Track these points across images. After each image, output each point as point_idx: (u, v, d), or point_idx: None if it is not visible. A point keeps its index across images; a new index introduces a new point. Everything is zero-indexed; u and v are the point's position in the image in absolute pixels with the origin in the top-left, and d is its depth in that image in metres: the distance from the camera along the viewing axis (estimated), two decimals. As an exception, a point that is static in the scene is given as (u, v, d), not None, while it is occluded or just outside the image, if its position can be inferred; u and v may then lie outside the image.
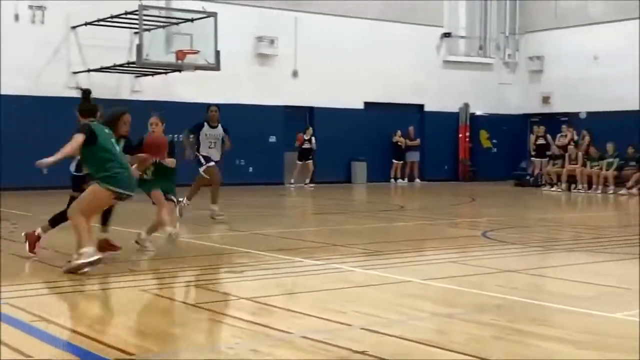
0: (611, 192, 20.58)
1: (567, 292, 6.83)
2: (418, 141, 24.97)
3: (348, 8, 24.04)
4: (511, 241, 10.33)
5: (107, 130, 7.52)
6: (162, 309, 6.10)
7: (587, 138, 22.10)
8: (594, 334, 5.20)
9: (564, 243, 10.49)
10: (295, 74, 23.24)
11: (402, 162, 24.80)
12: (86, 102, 7.92)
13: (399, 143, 24.70)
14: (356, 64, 23.81)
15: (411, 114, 25.53)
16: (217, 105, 13.19)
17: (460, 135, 26.47)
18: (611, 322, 5.53)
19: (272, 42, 22.69)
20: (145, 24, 18.33)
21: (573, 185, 21.62)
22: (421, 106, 25.87)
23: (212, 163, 12.65)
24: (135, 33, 18.81)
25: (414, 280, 7.19)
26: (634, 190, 20.32)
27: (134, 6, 18.08)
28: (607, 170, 21.22)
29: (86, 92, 7.98)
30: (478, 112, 26.64)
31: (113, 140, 7.53)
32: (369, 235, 11.05)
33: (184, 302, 6.48)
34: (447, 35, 26.26)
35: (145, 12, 18.19)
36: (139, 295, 6.54)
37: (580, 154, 21.79)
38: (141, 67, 19.03)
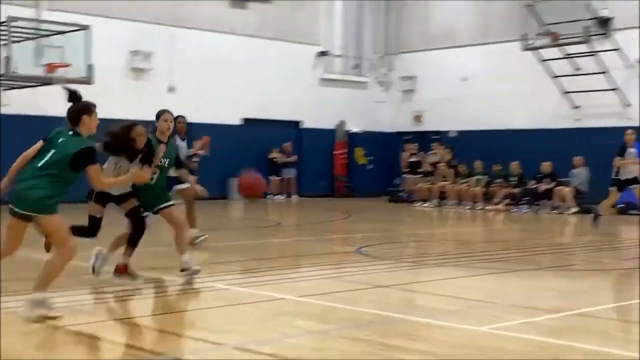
0: (479, 208, 21.41)
1: (436, 306, 7.05)
2: (295, 157, 25.16)
3: (225, 24, 24.03)
4: (384, 257, 10.57)
5: None
6: (25, 332, 5.86)
7: (447, 156, 23.06)
8: (460, 348, 5.39)
9: (435, 258, 10.81)
10: (171, 89, 22.99)
11: (279, 178, 24.93)
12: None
13: (275, 159, 24.82)
14: (234, 80, 23.80)
15: (288, 131, 25.71)
16: (183, 116, 11.72)
17: (336, 152, 26.88)
18: (477, 335, 5.74)
19: (147, 56, 22.41)
20: (14, 36, 17.73)
21: (444, 202, 22.37)
22: (298, 123, 26.12)
23: (185, 185, 11.03)
24: (4, 44, 18.16)
25: (289, 297, 7.24)
26: (501, 206, 21.24)
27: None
28: (475, 187, 22.09)
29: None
30: (354, 130, 27.15)
31: None
32: (245, 253, 11.04)
33: (52, 325, 6.27)
34: (323, 53, 26.67)
35: (14, 24, 17.59)
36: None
37: (450, 170, 22.61)
38: (9, 79, 18.38)
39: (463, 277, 8.86)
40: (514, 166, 22.24)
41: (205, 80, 23.25)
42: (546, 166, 21.45)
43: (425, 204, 22.47)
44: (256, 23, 24.78)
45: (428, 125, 26.82)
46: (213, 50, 23.59)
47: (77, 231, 7.08)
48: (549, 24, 22.83)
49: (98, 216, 7.82)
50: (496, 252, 11.41)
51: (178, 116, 10.86)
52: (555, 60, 23.61)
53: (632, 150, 14.50)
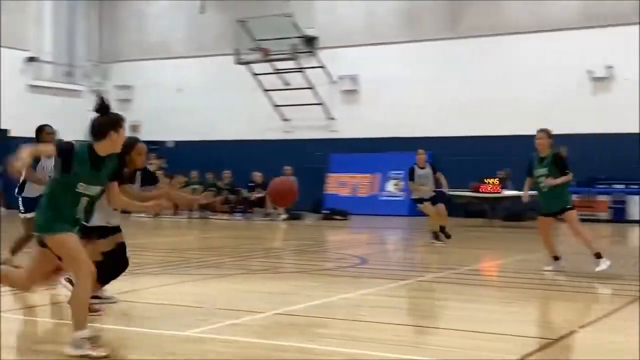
0: (196, 216, 21.80)
1: (145, 314, 7.15)
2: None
3: None
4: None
5: None
6: None
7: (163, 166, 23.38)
8: (167, 355, 5.51)
9: (149, 267, 10.92)
10: None
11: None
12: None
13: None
14: None
15: (-5, 139, 24.32)
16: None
17: (48, 162, 25.86)
18: (183, 340, 5.95)
19: None
20: None
21: (161, 211, 22.47)
22: (6, 131, 24.79)
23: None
24: None
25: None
26: (216, 215, 21.85)
27: None
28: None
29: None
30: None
31: None
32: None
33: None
34: (32, 59, 25.60)
35: None
36: None
37: (167, 180, 22.77)
38: None
39: (174, 284, 9.07)
40: (226, 175, 23.05)
41: None
42: (258, 176, 22.41)
43: (142, 214, 22.40)
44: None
45: (146, 135, 26.75)
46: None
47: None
48: (259, 40, 23.89)
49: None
50: (211, 258, 11.78)
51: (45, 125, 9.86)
52: (267, 75, 24.74)
53: (421, 172, 13.79)
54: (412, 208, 21.97)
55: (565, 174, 9.75)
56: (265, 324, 6.67)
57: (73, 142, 5.55)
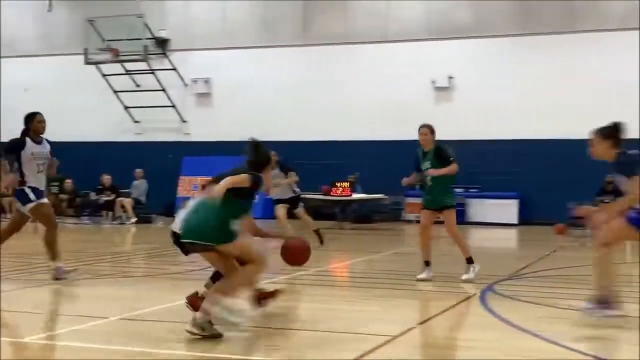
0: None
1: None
2: None
3: None
4: None
5: None
6: None
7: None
8: None
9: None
10: None
11: None
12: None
13: None
14: None
15: None
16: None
17: None
18: (28, 345, 5.85)
19: None
20: None
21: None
22: None
23: (44, 199, 9.35)
24: None
25: None
26: (63, 218, 21.24)
27: None
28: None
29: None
30: None
31: None
32: None
33: None
34: None
35: None
36: None
37: None
38: None
39: (15, 290, 8.78)
40: (68, 184, 22.41)
41: None
42: (106, 179, 21.94)
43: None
44: None
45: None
46: None
47: None
48: (109, 40, 23.40)
49: None
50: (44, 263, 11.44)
51: (35, 113, 9.59)
52: (118, 76, 24.27)
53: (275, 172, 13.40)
54: (267, 210, 22.23)
55: (449, 165, 9.59)
56: (109, 329, 6.60)
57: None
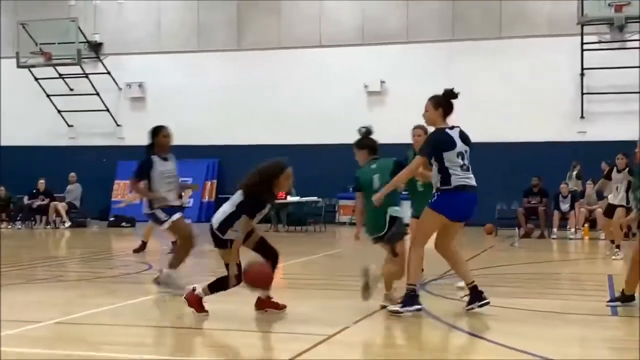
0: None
1: None
2: None
3: None
4: None
5: None
6: None
7: None
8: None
9: None
10: None
11: None
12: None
13: None
14: None
15: None
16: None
17: None
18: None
19: None
20: None
21: None
22: None
23: (178, 214, 9.02)
24: None
25: None
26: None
27: None
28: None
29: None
30: None
31: None
32: None
33: None
34: None
35: None
36: None
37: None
38: None
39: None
40: (0, 190, 22.08)
41: None
42: (40, 184, 21.69)
43: None
44: None
45: None
46: None
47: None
48: (42, 44, 23.10)
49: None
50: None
51: (161, 127, 9.45)
52: (51, 80, 23.98)
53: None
54: (203, 214, 22.26)
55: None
56: (43, 333, 6.60)
57: None
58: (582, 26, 20.86)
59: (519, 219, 18.62)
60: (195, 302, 7.14)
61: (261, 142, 22.64)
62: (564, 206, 18.50)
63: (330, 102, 22.47)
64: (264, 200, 7.01)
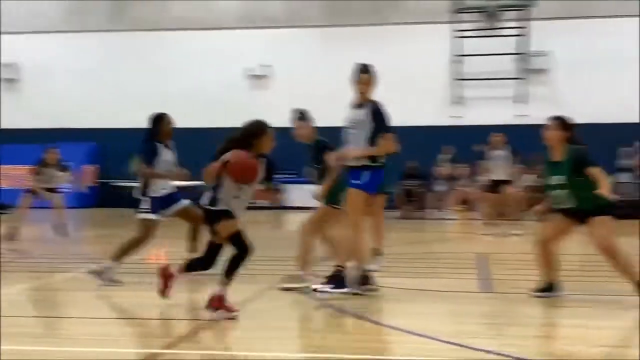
0: None
1: None
2: None
3: None
4: None
5: None
6: None
7: None
8: None
9: None
10: None
11: None
12: None
13: None
14: None
15: None
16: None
17: None
18: None
19: None
20: None
21: None
22: None
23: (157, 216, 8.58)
24: None
25: None
26: None
27: None
28: None
29: None
30: None
31: None
32: None
33: None
34: None
35: None
36: None
37: None
38: None
39: None
40: None
41: None
42: None
43: None
44: None
45: None
46: None
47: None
48: None
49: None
50: None
51: (163, 114, 9.20)
52: None
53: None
54: (83, 199, 21.78)
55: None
56: None
57: None
58: (456, 13, 21.61)
59: (397, 201, 19.17)
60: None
61: (141, 125, 22.29)
62: (440, 188, 19.19)
63: (211, 86, 22.36)
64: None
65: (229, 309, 6.49)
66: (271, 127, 6.77)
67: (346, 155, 7.61)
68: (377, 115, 7.66)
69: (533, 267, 7.91)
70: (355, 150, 7.54)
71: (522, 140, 18.30)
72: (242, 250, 6.51)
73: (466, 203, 19.16)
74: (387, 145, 7.54)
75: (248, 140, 6.51)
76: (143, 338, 6.32)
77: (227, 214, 6.53)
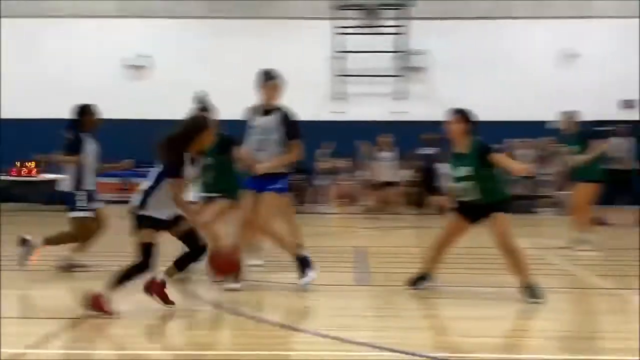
0: None
1: None
2: None
3: None
4: None
5: None
6: None
7: None
8: None
9: None
10: None
11: None
12: None
13: None
14: None
15: None
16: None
17: None
18: None
19: None
20: None
21: None
22: None
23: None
24: None
25: None
26: None
27: None
28: None
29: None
30: None
31: None
32: None
33: None
34: None
35: None
36: None
37: None
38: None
39: None
40: None
41: None
42: None
43: None
44: None
45: None
46: None
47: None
48: None
49: None
50: None
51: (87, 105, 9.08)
52: None
53: None
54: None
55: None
56: None
57: None
58: (337, 10, 21.81)
59: (278, 196, 19.16)
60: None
61: (19, 115, 21.39)
62: (321, 182, 19.33)
63: (85, 77, 21.63)
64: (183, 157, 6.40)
65: (108, 312, 6.37)
66: (212, 122, 6.78)
67: (261, 169, 7.64)
68: (288, 122, 7.78)
69: (412, 260, 8.05)
70: (269, 165, 7.68)
71: (401, 135, 18.74)
72: (144, 261, 6.43)
73: (346, 197, 19.37)
74: (299, 152, 7.82)
75: (189, 136, 6.45)
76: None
77: (154, 221, 6.42)
